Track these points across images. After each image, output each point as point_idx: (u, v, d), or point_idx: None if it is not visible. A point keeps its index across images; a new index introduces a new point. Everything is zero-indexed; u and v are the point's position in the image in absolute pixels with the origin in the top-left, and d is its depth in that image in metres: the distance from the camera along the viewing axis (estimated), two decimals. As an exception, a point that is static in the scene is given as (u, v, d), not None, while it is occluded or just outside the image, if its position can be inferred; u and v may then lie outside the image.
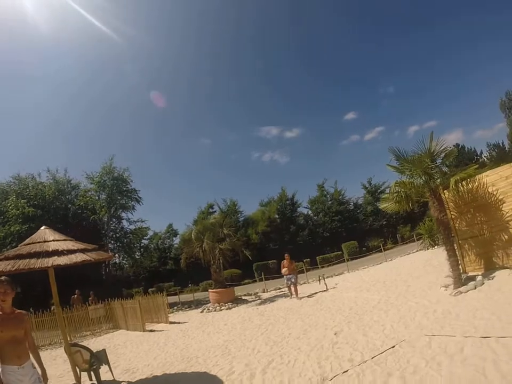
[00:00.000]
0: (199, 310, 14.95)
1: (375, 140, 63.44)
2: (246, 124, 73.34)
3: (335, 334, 6.43)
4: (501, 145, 39.53)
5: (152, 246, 36.03)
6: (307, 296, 12.26)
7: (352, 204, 44.34)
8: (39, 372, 3.48)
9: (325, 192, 44.06)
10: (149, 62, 68.63)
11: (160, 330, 11.64)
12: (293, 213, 42.93)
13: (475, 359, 3.76)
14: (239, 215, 41.58)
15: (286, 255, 13.29)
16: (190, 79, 73.13)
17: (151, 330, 11.91)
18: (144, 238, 31.67)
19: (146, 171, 68.64)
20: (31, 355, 3.50)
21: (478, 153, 40.87)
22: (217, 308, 13.94)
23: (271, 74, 73.70)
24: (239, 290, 17.46)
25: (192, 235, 16.26)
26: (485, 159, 38.42)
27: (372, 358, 4.67)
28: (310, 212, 44.62)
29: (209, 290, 16.08)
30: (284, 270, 12.94)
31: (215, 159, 71.63)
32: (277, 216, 41.69)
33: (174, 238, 44.05)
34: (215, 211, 40.78)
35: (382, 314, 7.22)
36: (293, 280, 12.65)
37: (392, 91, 64.92)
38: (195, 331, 10.29)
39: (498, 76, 58.19)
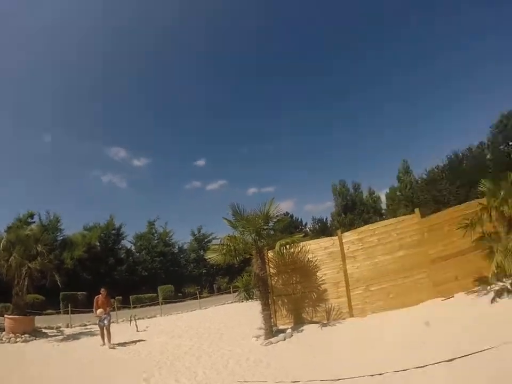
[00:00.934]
0: None
1: (216, 191, 66.14)
2: (95, 137, 67.78)
3: (144, 380, 6.13)
4: (324, 220, 46.08)
5: None
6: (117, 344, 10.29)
7: (177, 247, 44.54)
8: None
9: (154, 230, 43.33)
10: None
11: None
12: (115, 244, 40.57)
13: None
14: (59, 233, 36.82)
15: (102, 290, 10.67)
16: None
17: None
18: None
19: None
20: None
21: (304, 224, 46.65)
22: (12, 339, 11.58)
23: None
24: (39, 321, 15.00)
25: (1, 244, 13.46)
26: (308, 230, 44.06)
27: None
28: (133, 247, 42.86)
29: (6, 315, 13.21)
30: (99, 311, 10.14)
31: (51, 164, 62.87)
32: (98, 243, 38.58)
33: None
34: (34, 221, 35.11)
35: (194, 360, 7.24)
36: (106, 323, 10.11)
37: (245, 151, 69.68)
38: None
39: (335, 162, 68.26)
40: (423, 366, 4.32)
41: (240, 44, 69.07)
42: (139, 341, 10.62)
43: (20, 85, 59.21)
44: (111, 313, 11.06)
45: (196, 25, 66.44)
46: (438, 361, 4.33)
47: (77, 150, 62.46)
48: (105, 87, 67.45)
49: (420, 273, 8.38)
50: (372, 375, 4.43)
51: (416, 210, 8.93)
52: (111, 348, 9.64)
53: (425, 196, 34.44)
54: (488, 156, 36.64)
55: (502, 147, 36.12)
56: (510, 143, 35.70)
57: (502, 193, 6.82)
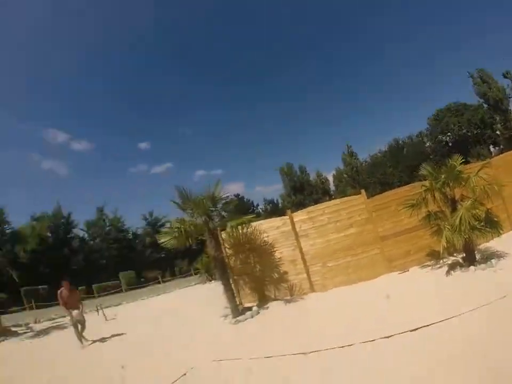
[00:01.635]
0: None
1: (162, 174, 65.16)
2: (30, 119, 64.31)
3: (122, 367, 6.08)
4: (275, 201, 47.98)
5: None
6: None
7: (131, 233, 44.14)
8: None
9: (104, 217, 42.63)
10: None
11: None
12: (67, 233, 39.48)
13: (265, 375, 4.43)
14: (6, 226, 35.02)
15: (64, 282, 8.87)
16: None
17: None
18: None
19: None
20: None
21: (255, 205, 48.09)
22: None
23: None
24: (6, 320, 14.69)
25: None
26: (260, 211, 45.57)
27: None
28: (86, 236, 42.04)
29: None
30: (75, 313, 8.76)
31: None
32: (49, 234, 37.40)
33: None
34: None
35: (165, 343, 7.33)
36: (80, 318, 8.77)
37: (190, 132, 68.71)
38: None
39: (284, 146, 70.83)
40: (389, 336, 4.57)
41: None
42: (108, 329, 10.49)
43: None
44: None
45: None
46: (403, 331, 4.59)
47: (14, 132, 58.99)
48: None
49: (373, 249, 8.95)
50: (342, 347, 4.66)
51: (362, 191, 9.47)
52: (81, 346, 8.57)
53: (370, 178, 36.80)
54: (427, 144, 40.05)
55: (440, 137, 39.94)
56: (447, 134, 39.24)
57: (443, 177, 7.38)
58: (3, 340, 11.62)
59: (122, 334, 9.43)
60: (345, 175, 42.93)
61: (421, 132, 42.50)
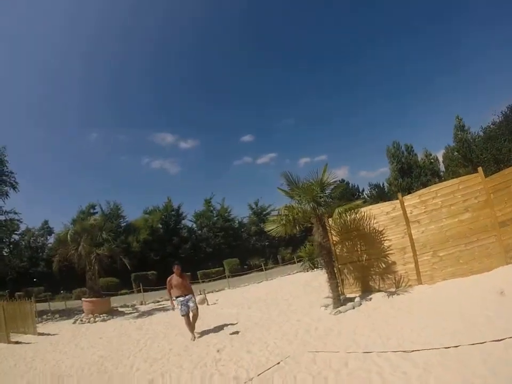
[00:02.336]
0: (72, 320, 13.49)
1: (266, 164, 66.49)
2: (141, 126, 70.24)
3: (217, 351, 6.30)
4: (381, 186, 45.21)
5: (23, 243, 31.55)
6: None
7: (237, 222, 45.39)
8: None
9: (212, 208, 44.42)
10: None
11: (28, 343, 10.11)
12: (177, 224, 42.31)
13: (360, 372, 4.05)
14: (121, 220, 39.22)
15: (176, 266, 8.06)
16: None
17: (16, 342, 10.30)
18: (15, 232, 26.36)
19: (24, 155, 61.38)
20: None
21: (360, 190, 46.03)
22: (91, 319, 12.79)
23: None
24: (115, 301, 16.22)
25: (68, 236, 14.57)
26: (366, 196, 43.56)
27: (258, 375, 4.64)
28: (194, 226, 44.54)
29: (83, 299, 14.54)
30: (175, 291, 7.95)
31: (102, 157, 67.04)
32: (160, 226, 40.63)
33: (49, 237, 39.48)
34: (97, 212, 37.93)
35: (264, 331, 7.27)
36: (191, 305, 7.76)
37: (292, 122, 68.71)
38: (67, 345, 9.28)
39: (387, 129, 66.68)
40: (500, 340, 3.99)
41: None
42: (210, 312, 11.03)
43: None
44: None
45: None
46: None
47: (125, 139, 65.65)
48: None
49: (489, 237, 7.75)
50: (447, 347, 4.20)
51: (479, 169, 8.21)
52: (193, 340, 7.47)
53: (484, 155, 31.82)
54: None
55: None
56: None
57: None
58: (110, 319, 12.93)
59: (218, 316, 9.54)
60: (456, 153, 38.03)
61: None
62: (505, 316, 4.85)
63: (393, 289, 8.54)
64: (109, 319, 12.83)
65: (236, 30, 73.03)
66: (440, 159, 42.67)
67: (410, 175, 40.84)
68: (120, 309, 14.95)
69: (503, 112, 34.98)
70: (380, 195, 41.36)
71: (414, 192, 9.66)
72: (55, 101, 67.85)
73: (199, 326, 8.38)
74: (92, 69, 68.96)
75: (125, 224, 38.75)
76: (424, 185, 31.44)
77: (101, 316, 13.06)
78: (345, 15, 68.59)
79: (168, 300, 9.88)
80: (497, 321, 4.68)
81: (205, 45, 71.64)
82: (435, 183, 12.93)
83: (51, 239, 38.07)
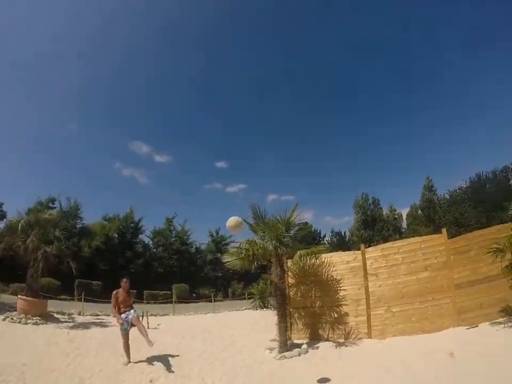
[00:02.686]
0: (2, 316, 12.06)
1: (235, 194, 65.68)
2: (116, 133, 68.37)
3: (150, 381, 5.93)
4: (343, 234, 45.73)
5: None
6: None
7: (195, 247, 44.32)
8: None
9: (172, 228, 43.23)
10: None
11: None
12: (133, 237, 40.72)
13: None
14: (78, 221, 37.11)
15: (125, 280, 7.32)
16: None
17: None
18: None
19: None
20: None
21: (322, 236, 46.15)
22: (23, 319, 11.60)
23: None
24: (53, 305, 14.94)
25: (20, 225, 13.44)
26: (326, 242, 43.57)
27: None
28: (150, 243, 43.10)
29: (19, 296, 13.26)
30: (121, 317, 7.00)
31: (75, 150, 63.62)
32: (116, 235, 38.99)
33: (0, 221, 36.45)
34: (55, 207, 35.47)
35: (205, 366, 6.91)
36: (130, 317, 7.02)
37: (270, 157, 69.09)
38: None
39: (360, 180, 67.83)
40: None
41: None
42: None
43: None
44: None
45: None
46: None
47: (101, 141, 63.63)
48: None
49: (444, 297, 7.94)
50: None
51: (443, 230, 8.47)
52: (151, 345, 6.60)
53: (446, 217, 33.14)
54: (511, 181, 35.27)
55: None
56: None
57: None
58: (43, 323, 11.71)
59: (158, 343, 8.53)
60: (420, 211, 39.45)
61: (505, 167, 36.46)
62: (453, 376, 4.85)
63: (341, 340, 8.45)
64: (42, 323, 11.69)
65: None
66: (404, 216, 44.27)
67: (373, 227, 41.68)
68: (56, 315, 13.75)
69: (471, 178, 36.93)
70: (340, 243, 41.85)
71: (374, 245, 9.94)
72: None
73: (137, 350, 7.45)
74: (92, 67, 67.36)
75: (80, 226, 36.72)
76: (385, 239, 32.33)
77: (34, 318, 11.87)
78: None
79: (109, 315, 9.27)
80: (443, 381, 4.70)
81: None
82: (396, 239, 13.29)
83: (2, 224, 35.51)
